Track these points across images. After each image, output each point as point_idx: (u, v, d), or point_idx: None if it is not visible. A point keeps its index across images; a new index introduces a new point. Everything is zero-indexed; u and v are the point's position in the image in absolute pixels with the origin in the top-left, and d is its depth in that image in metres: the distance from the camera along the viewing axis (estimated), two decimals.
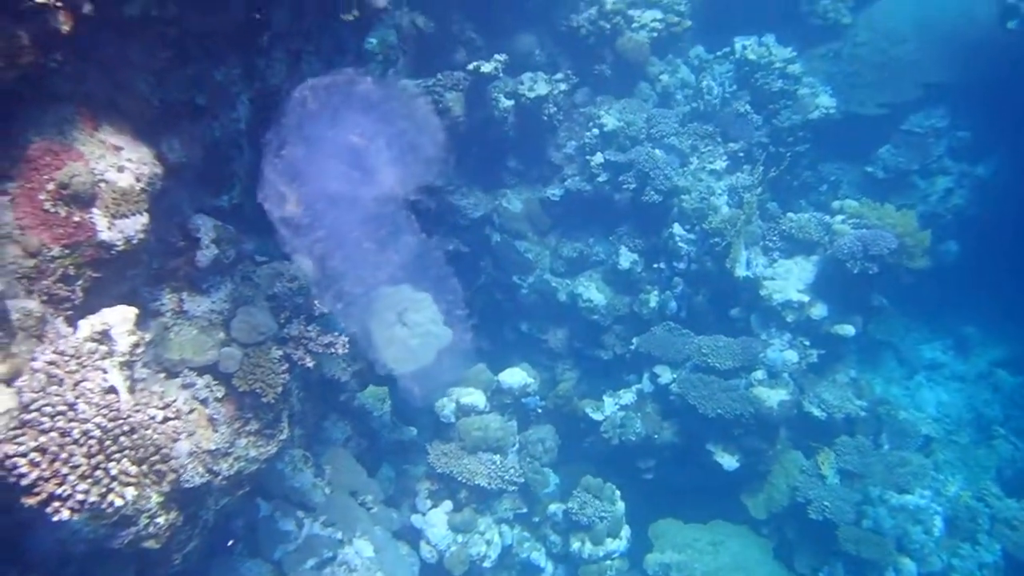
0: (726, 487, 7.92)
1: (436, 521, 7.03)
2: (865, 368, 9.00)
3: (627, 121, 8.33)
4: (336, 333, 4.70)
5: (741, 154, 8.70)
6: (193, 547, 4.28)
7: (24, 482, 2.82)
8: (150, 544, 3.83)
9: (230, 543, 4.65)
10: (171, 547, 4.08)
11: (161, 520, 3.82)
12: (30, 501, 2.84)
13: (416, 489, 7.18)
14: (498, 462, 7.20)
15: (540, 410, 8.11)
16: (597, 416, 8.09)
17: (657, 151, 8.24)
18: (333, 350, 4.64)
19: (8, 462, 2.82)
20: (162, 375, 4.21)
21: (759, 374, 7.81)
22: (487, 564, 7.23)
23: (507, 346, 8.86)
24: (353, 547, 5.97)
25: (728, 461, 7.69)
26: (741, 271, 8.00)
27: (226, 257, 4.44)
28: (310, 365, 4.57)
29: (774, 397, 7.64)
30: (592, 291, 8.47)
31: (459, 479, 7.00)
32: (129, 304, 4.04)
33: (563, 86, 8.29)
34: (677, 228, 8.19)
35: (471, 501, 7.15)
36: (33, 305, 3.31)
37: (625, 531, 7.66)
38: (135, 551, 3.83)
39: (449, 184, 8.38)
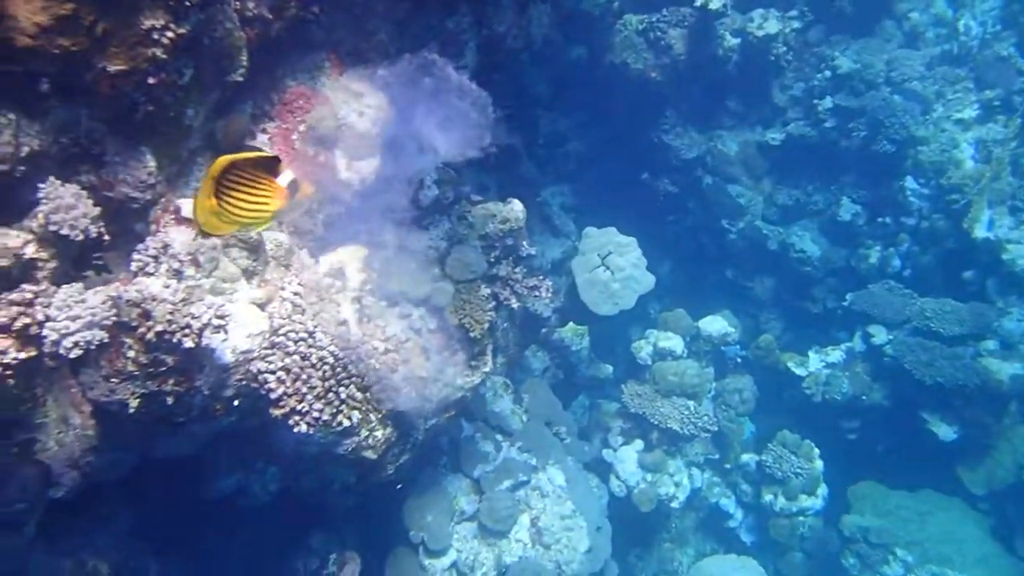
0: (938, 457, 7.45)
1: (626, 458, 7.22)
2: None
3: (864, 63, 7.73)
4: (541, 276, 4.90)
5: (997, 103, 7.81)
6: (405, 460, 4.72)
7: (272, 395, 3.27)
8: (368, 454, 4.29)
9: (399, 487, 5.16)
10: (386, 458, 4.54)
11: (379, 435, 4.24)
12: (276, 412, 3.29)
13: (608, 425, 7.39)
14: (692, 408, 7.22)
15: (740, 359, 7.99)
16: (800, 371, 7.84)
17: (896, 97, 7.61)
18: (537, 293, 4.85)
19: (260, 376, 3.27)
20: (384, 304, 4.63)
21: (990, 344, 7.20)
22: (675, 505, 7.35)
23: (710, 291, 8.73)
24: (546, 474, 6.30)
25: (944, 431, 7.24)
26: (981, 232, 7.31)
27: (445, 198, 4.74)
28: (515, 306, 4.81)
29: (1007, 369, 7.04)
30: (806, 241, 8.10)
31: (651, 421, 7.11)
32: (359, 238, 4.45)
33: (796, 24, 7.81)
34: (910, 181, 7.59)
35: (662, 443, 7.25)
36: (283, 237, 3.75)
37: (822, 490, 7.47)
38: (356, 458, 4.30)
39: (664, 123, 8.25)
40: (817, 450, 7.44)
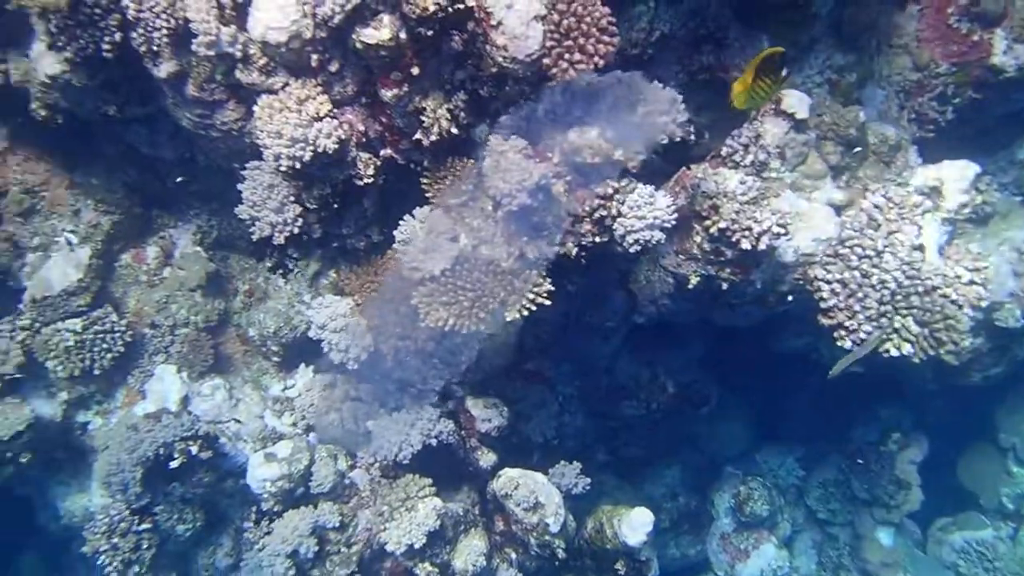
0: None
1: None
2: None
3: None
4: None
5: None
6: (996, 372, 4.25)
7: (823, 304, 3.27)
8: (948, 359, 3.98)
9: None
10: (971, 367, 4.16)
11: (964, 344, 3.87)
12: (823, 321, 3.31)
13: None
14: None
15: None
16: None
17: None
18: None
19: (815, 283, 3.28)
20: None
21: None
22: None
23: None
24: None
25: None
26: None
27: None
28: None
29: None
30: None
31: None
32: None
33: None
34: None
35: None
36: (890, 132, 3.44)
37: None
38: (935, 360, 4.04)
39: None
40: None
